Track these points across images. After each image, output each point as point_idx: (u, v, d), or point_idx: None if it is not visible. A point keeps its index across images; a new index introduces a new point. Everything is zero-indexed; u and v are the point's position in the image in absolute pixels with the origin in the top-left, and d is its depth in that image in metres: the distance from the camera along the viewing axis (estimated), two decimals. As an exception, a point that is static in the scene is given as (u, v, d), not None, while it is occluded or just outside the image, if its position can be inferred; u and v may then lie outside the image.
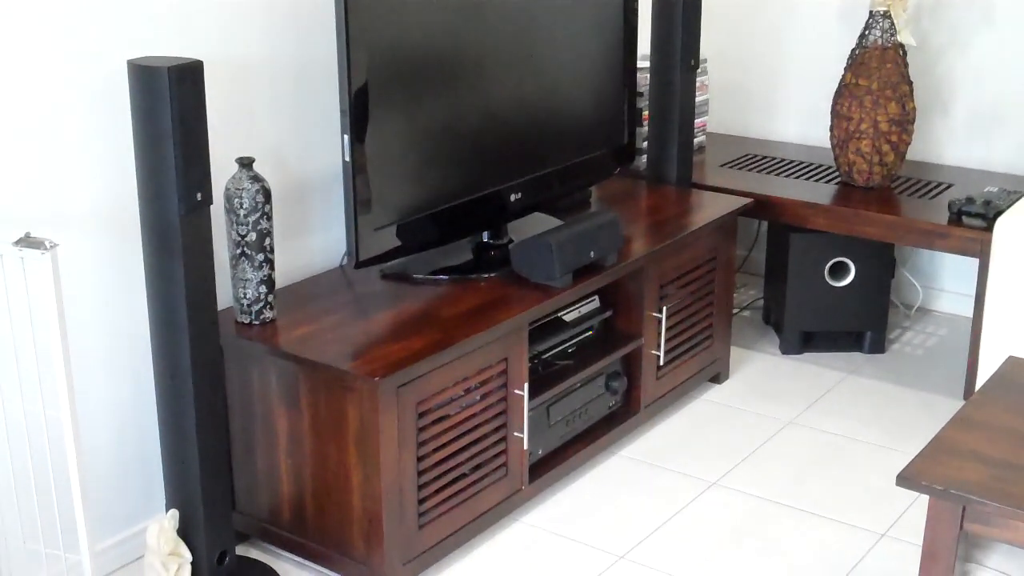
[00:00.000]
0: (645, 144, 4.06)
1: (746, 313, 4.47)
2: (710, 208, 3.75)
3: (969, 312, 3.94)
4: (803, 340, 4.13)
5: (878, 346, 4.14)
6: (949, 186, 4.05)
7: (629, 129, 3.75)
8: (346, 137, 2.82)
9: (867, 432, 3.60)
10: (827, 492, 3.28)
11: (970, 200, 3.68)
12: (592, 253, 3.18)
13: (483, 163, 3.18)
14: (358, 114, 2.81)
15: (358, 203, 2.85)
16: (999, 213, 3.53)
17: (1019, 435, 2.40)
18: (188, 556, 2.73)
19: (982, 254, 3.53)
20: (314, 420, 2.77)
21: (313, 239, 3.26)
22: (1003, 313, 3.29)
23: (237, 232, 2.80)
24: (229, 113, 2.96)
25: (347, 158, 2.83)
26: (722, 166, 4.29)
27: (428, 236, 3.09)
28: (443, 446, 2.85)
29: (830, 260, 4.01)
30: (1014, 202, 3.61)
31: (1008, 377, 2.66)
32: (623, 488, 3.30)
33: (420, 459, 2.79)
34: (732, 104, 4.76)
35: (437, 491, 2.86)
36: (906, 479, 2.27)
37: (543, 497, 3.24)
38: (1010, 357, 2.76)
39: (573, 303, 3.32)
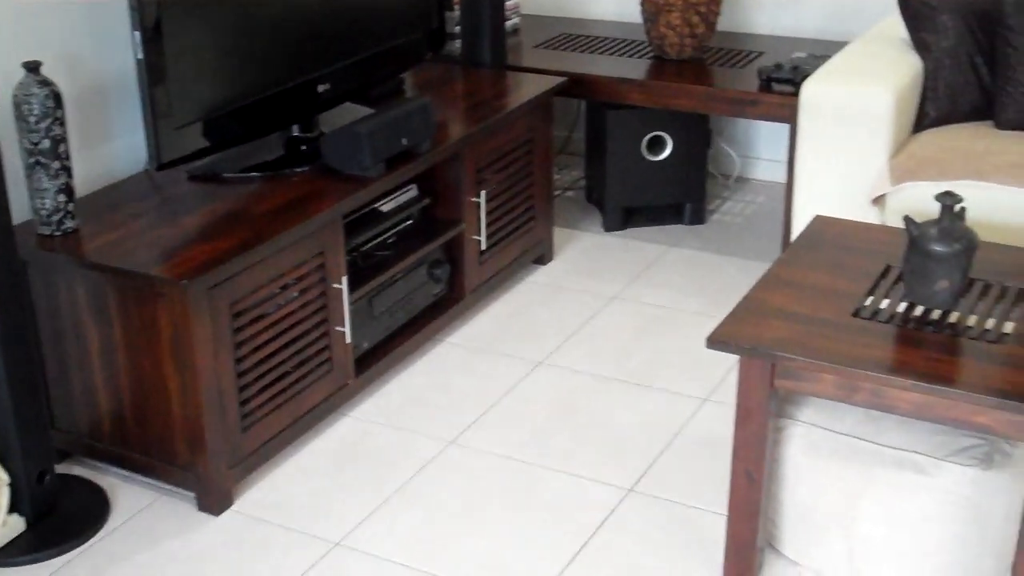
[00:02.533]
0: (458, 28, 4.00)
1: (570, 193, 4.49)
2: (525, 89, 3.72)
3: (784, 178, 4.02)
4: (625, 216, 4.16)
5: (698, 217, 4.20)
6: (760, 54, 4.09)
7: (438, 13, 3.68)
8: (137, 33, 2.71)
9: (689, 301, 3.67)
10: (652, 362, 3.34)
11: (779, 67, 3.73)
12: (404, 140, 3.13)
13: (287, 54, 3.09)
14: (149, 8, 2.69)
15: (155, 102, 2.75)
16: (807, 78, 3.58)
17: (824, 291, 2.46)
18: (5, 478, 2.65)
19: (792, 119, 3.58)
20: (126, 330, 2.69)
21: (116, 144, 3.15)
22: (812, 175, 3.35)
23: (29, 140, 2.68)
24: (12, 15, 2.81)
25: (140, 56, 2.72)
26: (537, 47, 4.26)
27: (233, 133, 3.00)
28: (262, 346, 2.80)
29: (647, 135, 4.03)
30: (821, 66, 3.66)
31: (814, 235, 2.71)
32: (452, 375, 3.30)
33: (238, 361, 2.74)
34: (546, -16, 4.73)
35: (259, 392, 2.82)
36: (716, 341, 2.31)
37: (372, 390, 3.22)
38: (816, 216, 2.81)
39: (389, 193, 3.28)
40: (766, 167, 4.56)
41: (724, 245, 4.05)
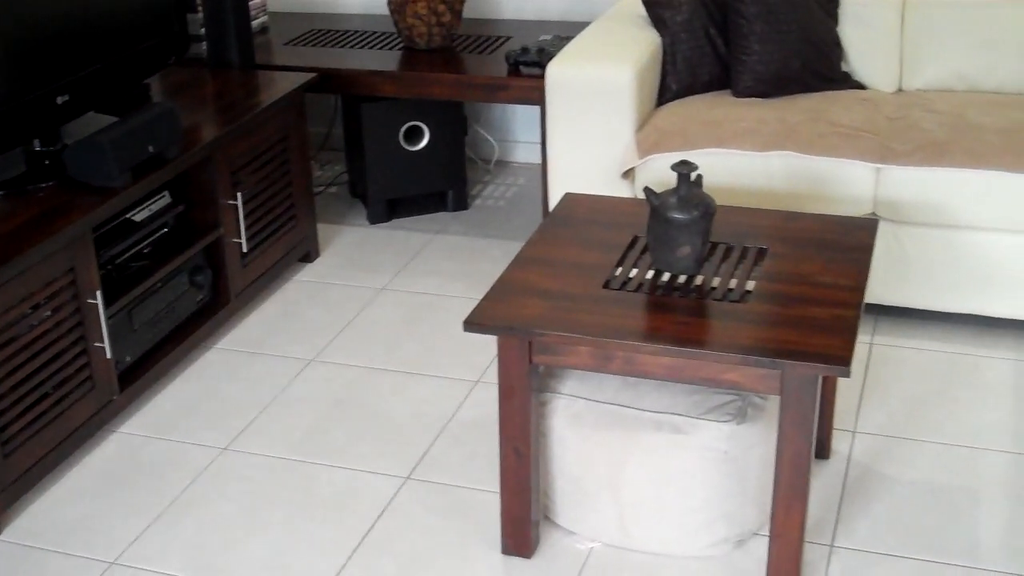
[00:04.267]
0: (203, 30, 3.93)
1: (333, 189, 4.47)
2: (275, 87, 3.68)
3: (539, 159, 4.10)
4: (389, 208, 4.17)
5: (461, 203, 4.24)
6: (508, 39, 4.15)
7: (178, 15, 3.60)
8: None
9: (457, 286, 3.71)
10: (423, 350, 3.36)
11: (525, 50, 3.79)
12: (151, 147, 3.07)
13: (19, 67, 2.98)
14: None
15: None
16: (552, 59, 3.65)
17: (575, 266, 2.52)
18: None
19: (541, 101, 3.65)
20: None
21: None
22: (563, 154, 3.42)
23: None
24: None
25: None
26: (287, 44, 4.22)
27: (-33, 151, 2.88)
28: (16, 369, 2.70)
29: (404, 125, 4.05)
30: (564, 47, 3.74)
31: (564, 213, 2.78)
32: (222, 381, 3.26)
33: (-9, 386, 2.65)
34: (293, -20, 4.69)
35: (18, 417, 2.72)
36: (472, 323, 2.34)
37: (140, 403, 3.15)
38: (566, 194, 2.88)
39: (141, 202, 3.20)
40: (524, 149, 4.63)
41: (488, 229, 4.10)
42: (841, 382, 3.13)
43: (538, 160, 4.52)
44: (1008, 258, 3.20)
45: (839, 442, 2.92)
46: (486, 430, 2.99)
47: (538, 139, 4.46)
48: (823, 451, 2.85)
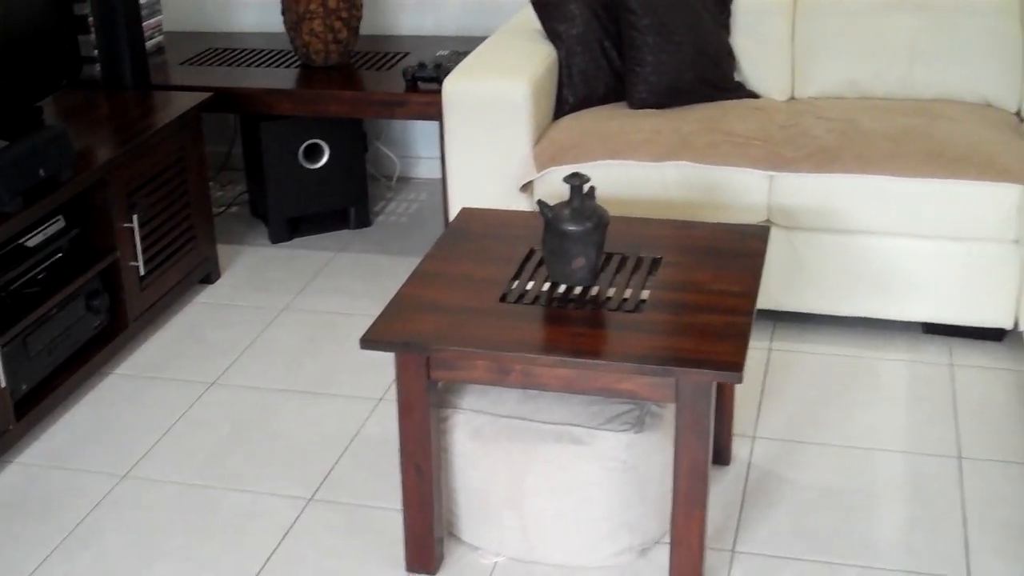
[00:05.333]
0: (96, 51, 3.88)
1: (234, 209, 4.43)
2: (171, 107, 3.65)
3: (439, 174, 4.10)
4: (291, 226, 4.15)
5: (364, 220, 4.23)
6: (405, 55, 4.16)
7: (70, 36, 3.55)
8: None
9: (360, 304, 3.69)
10: (326, 369, 3.34)
11: (422, 66, 3.79)
12: (41, 171, 3.02)
13: (-99, 92, 2.92)
14: None
15: None
16: (449, 74, 3.66)
17: (472, 280, 2.53)
18: None
19: (440, 116, 3.66)
20: None
21: None
22: (463, 169, 3.43)
23: None
24: None
25: None
26: (183, 64, 4.18)
27: None
28: (-97, 401, 2.65)
29: (303, 143, 4.03)
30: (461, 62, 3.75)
31: (461, 227, 2.78)
32: (121, 407, 3.21)
33: None
34: (188, 1, 4.63)
35: (-93, 449, 2.67)
36: (369, 341, 2.34)
37: (37, 432, 3.09)
38: (463, 208, 2.88)
39: (34, 227, 3.15)
40: (425, 165, 4.63)
41: (391, 245, 4.09)
42: (741, 387, 3.17)
43: (439, 175, 4.52)
44: (899, 261, 3.26)
45: (739, 447, 2.95)
46: (389, 448, 2.98)
47: (439, 154, 4.47)
48: (723, 457, 2.88)
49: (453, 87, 3.38)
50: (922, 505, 2.73)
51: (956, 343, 3.39)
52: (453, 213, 3.49)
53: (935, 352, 3.35)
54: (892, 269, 3.28)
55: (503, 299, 2.46)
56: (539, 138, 3.44)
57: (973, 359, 3.31)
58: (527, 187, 3.41)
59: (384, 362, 3.35)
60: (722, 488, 2.81)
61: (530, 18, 3.81)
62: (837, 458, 2.91)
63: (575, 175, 2.43)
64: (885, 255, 3.27)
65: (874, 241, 3.27)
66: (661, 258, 2.61)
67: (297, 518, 2.74)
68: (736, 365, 2.20)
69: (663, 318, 2.38)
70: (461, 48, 4.05)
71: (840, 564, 2.56)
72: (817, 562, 2.56)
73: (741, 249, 2.64)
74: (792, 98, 3.73)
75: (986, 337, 3.39)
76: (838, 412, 3.09)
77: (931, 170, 3.17)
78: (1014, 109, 3.58)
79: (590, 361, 2.25)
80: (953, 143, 3.25)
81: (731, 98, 3.66)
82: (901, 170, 3.19)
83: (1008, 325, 3.29)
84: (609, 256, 2.62)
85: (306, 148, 4.04)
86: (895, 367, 3.28)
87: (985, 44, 3.55)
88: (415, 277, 2.56)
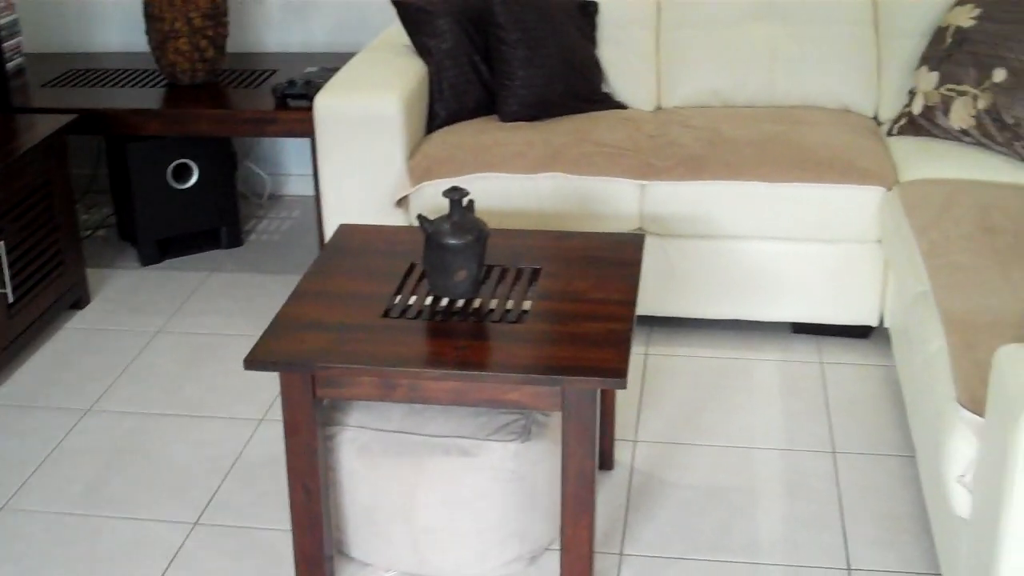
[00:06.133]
0: (-49, 75, 3.79)
1: (102, 232, 4.35)
2: (34, 131, 3.57)
3: (312, 191, 4.09)
4: (161, 248, 4.09)
5: (235, 240, 4.19)
6: (273, 72, 4.13)
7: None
8: None
9: (236, 324, 3.66)
10: (204, 391, 3.30)
11: (292, 83, 3.78)
12: (-98, 199, 2.93)
13: None
14: None
15: None
16: (319, 91, 3.65)
17: (354, 296, 2.52)
18: None
19: (311, 133, 3.65)
20: None
21: None
22: (337, 185, 3.42)
23: None
24: None
25: None
26: (45, 86, 4.09)
27: None
28: None
29: (171, 163, 3.97)
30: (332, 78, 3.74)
31: (340, 244, 2.78)
32: (-7, 438, 3.14)
33: None
34: (48, 21, 4.54)
35: None
36: (254, 361, 2.32)
37: (-95, 468, 3.00)
38: (341, 225, 2.88)
39: None
40: (296, 182, 4.61)
41: (264, 264, 4.06)
42: (620, 393, 3.23)
43: (311, 192, 4.51)
44: (768, 264, 3.35)
45: (621, 452, 3.00)
46: (274, 468, 2.96)
47: (310, 171, 4.45)
48: (606, 462, 2.93)
49: (325, 103, 3.37)
50: (801, 500, 2.81)
51: (825, 341, 3.49)
52: (328, 230, 3.48)
53: (805, 351, 3.45)
54: (761, 272, 3.37)
55: (386, 314, 2.47)
56: (412, 153, 3.46)
57: (842, 356, 3.42)
58: (402, 202, 3.42)
59: (264, 382, 3.32)
60: (607, 493, 2.85)
61: (399, 34, 3.83)
62: (717, 458, 2.97)
63: (454, 189, 2.45)
64: (754, 258, 3.36)
65: (743, 245, 3.35)
66: (540, 269, 2.64)
67: (183, 543, 2.71)
68: (620, 371, 2.24)
69: (546, 328, 2.41)
70: (330, 64, 4.04)
71: (726, 562, 2.62)
72: (704, 560, 2.62)
73: (618, 258, 2.69)
74: (658, 108, 3.80)
75: (853, 335, 3.50)
76: (715, 413, 3.16)
77: (796, 175, 3.27)
78: (871, 114, 3.71)
79: (476, 373, 2.26)
80: (816, 148, 3.35)
81: (599, 109, 3.72)
82: (767, 176, 3.28)
83: (874, 322, 3.41)
84: (489, 268, 2.65)
85: (175, 168, 3.99)
86: (768, 367, 3.37)
87: (842, 51, 3.68)
88: (297, 295, 2.55)
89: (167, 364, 3.45)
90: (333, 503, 2.58)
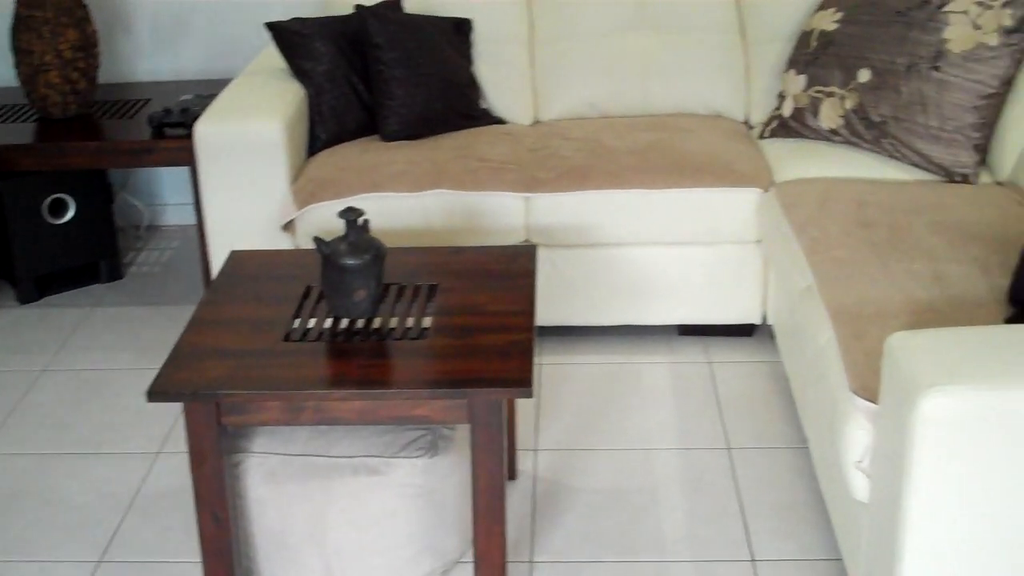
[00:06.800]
0: None
1: (-25, 272, 4.25)
2: (-99, 172, 3.48)
3: (195, 220, 4.04)
4: (39, 285, 4.01)
5: (115, 273, 4.12)
6: (147, 101, 4.08)
7: None
8: None
9: (122, 358, 3.60)
10: (96, 428, 3.25)
11: (168, 111, 3.74)
12: None
13: None
14: None
15: None
16: (197, 119, 3.62)
17: (253, 322, 2.52)
18: None
19: (191, 161, 3.62)
20: None
21: None
22: (221, 213, 3.40)
23: None
24: None
25: None
26: (-93, 125, 3.99)
27: None
28: None
29: (47, 199, 3.90)
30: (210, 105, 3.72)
31: (233, 271, 2.76)
32: None
33: None
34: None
35: None
36: (157, 393, 2.29)
37: None
38: (232, 252, 2.86)
39: None
40: (175, 211, 4.55)
41: (146, 296, 4.01)
42: (518, 404, 3.26)
43: (191, 221, 4.46)
44: (653, 269, 3.43)
45: (523, 462, 3.04)
46: (176, 500, 2.93)
47: (189, 200, 4.41)
48: (510, 473, 2.96)
49: (205, 130, 3.35)
50: (701, 496, 2.88)
51: (711, 342, 3.58)
52: (214, 258, 3.46)
53: (693, 352, 3.53)
54: (647, 277, 3.44)
55: (287, 338, 2.46)
56: (296, 176, 3.45)
57: (728, 355, 3.51)
58: (288, 226, 3.41)
59: (157, 415, 3.28)
60: (513, 503, 2.88)
61: (274, 57, 3.82)
62: (617, 461, 3.03)
63: (350, 209, 2.46)
64: (639, 264, 3.43)
65: (628, 252, 3.42)
66: (437, 285, 2.67)
67: (88, 583, 2.67)
68: (525, 381, 2.28)
69: (448, 343, 2.43)
70: (204, 92, 4.01)
71: (634, 562, 2.67)
72: (613, 563, 2.67)
73: (512, 270, 2.73)
74: (537, 122, 3.86)
75: (738, 334, 3.60)
76: (612, 417, 3.22)
77: (675, 180, 3.35)
78: (742, 118, 3.82)
79: (383, 390, 2.28)
80: (693, 154, 3.43)
81: (479, 125, 3.76)
82: (648, 183, 3.35)
83: (757, 320, 3.50)
84: (387, 287, 2.66)
85: (50, 203, 3.91)
86: (658, 369, 3.44)
87: (712, 58, 3.78)
88: (195, 324, 2.53)
89: (55, 403, 3.38)
90: (242, 531, 2.56)
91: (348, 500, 2.49)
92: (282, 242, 3.41)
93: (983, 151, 3.27)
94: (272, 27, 3.60)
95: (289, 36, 3.60)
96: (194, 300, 3.93)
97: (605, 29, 3.81)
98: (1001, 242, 2.80)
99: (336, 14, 3.77)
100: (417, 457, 2.50)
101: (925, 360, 1.98)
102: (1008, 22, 3.19)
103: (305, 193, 3.36)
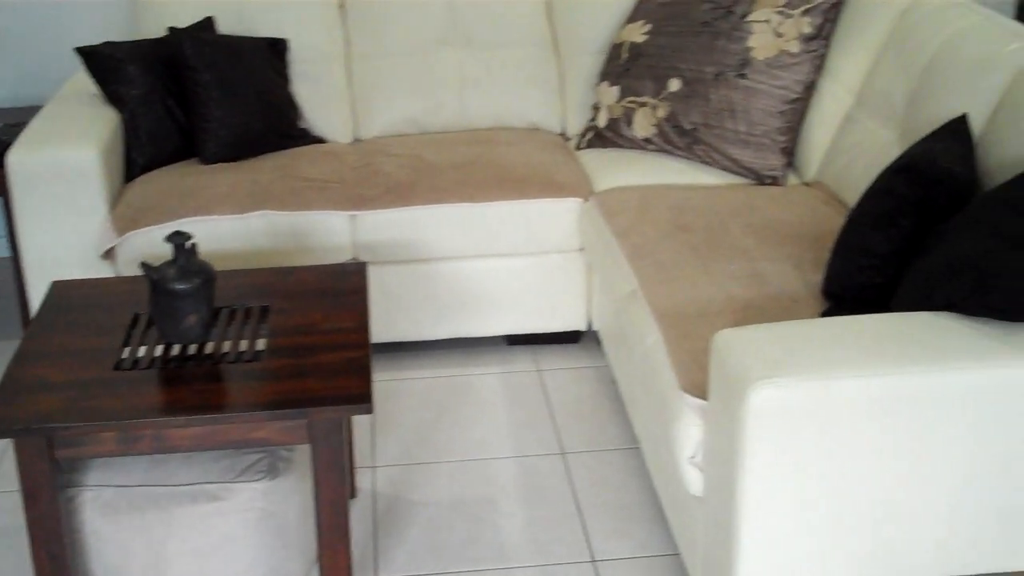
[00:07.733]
0: None
1: None
2: None
3: (7, 252, 3.93)
4: None
5: (-74, 310, 3.98)
6: (-50, 132, 3.94)
7: None
8: None
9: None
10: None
11: (-26, 141, 3.63)
12: None
13: None
14: None
15: None
16: (8, 148, 3.52)
17: (81, 353, 2.46)
18: None
19: (3, 192, 3.51)
20: None
21: None
22: (38, 244, 3.31)
23: None
24: None
25: None
26: None
27: None
28: None
29: None
30: (21, 134, 3.62)
31: (57, 302, 2.70)
32: None
33: None
34: None
35: None
36: (-15, 431, 2.24)
37: None
38: (54, 282, 2.79)
39: None
40: (-14, 244, 4.42)
41: (-39, 332, 3.88)
42: (355, 422, 3.27)
43: (4, 254, 4.32)
44: (480, 281, 3.48)
45: (362, 479, 3.04)
46: (10, 539, 2.84)
47: (3, 232, 4.27)
48: (350, 491, 2.96)
49: (18, 159, 3.26)
50: (539, 502, 2.93)
51: (540, 350, 3.65)
52: (32, 290, 3.36)
53: (523, 361, 3.59)
54: (474, 290, 3.48)
55: (118, 367, 2.42)
56: (115, 203, 3.39)
57: (557, 362, 3.58)
58: (109, 254, 3.34)
59: (-21, 454, 3.18)
60: (354, 520, 2.89)
61: (86, 82, 3.73)
62: (455, 473, 3.06)
63: (177, 234, 2.43)
64: (466, 277, 3.47)
65: (455, 265, 3.46)
66: (269, 306, 2.66)
67: (-84, 632, 2.57)
68: (365, 397, 2.29)
69: (284, 363, 2.43)
70: (12, 120, 3.90)
71: (478, 571, 2.70)
72: (458, 573, 2.70)
73: (343, 287, 2.73)
74: (357, 140, 3.87)
75: (565, 341, 3.67)
76: (447, 430, 3.25)
77: (499, 193, 3.41)
78: (558, 130, 3.90)
79: (221, 415, 2.26)
80: (514, 167, 3.50)
81: (298, 145, 3.75)
82: (471, 196, 3.40)
83: (583, 327, 3.58)
84: (217, 310, 2.64)
85: None
86: (490, 380, 3.49)
87: (526, 72, 3.85)
88: (21, 357, 2.46)
89: None
90: (80, 567, 2.50)
91: (188, 529, 2.46)
92: (103, 270, 3.34)
93: (790, 154, 3.43)
94: (83, 52, 3.53)
95: (101, 60, 3.53)
96: (11, 335, 3.81)
97: (420, 45, 3.85)
98: (812, 240, 2.94)
99: (148, 37, 3.71)
100: (257, 480, 2.48)
101: (751, 355, 2.07)
102: (807, 29, 3.35)
103: (126, 220, 3.30)
